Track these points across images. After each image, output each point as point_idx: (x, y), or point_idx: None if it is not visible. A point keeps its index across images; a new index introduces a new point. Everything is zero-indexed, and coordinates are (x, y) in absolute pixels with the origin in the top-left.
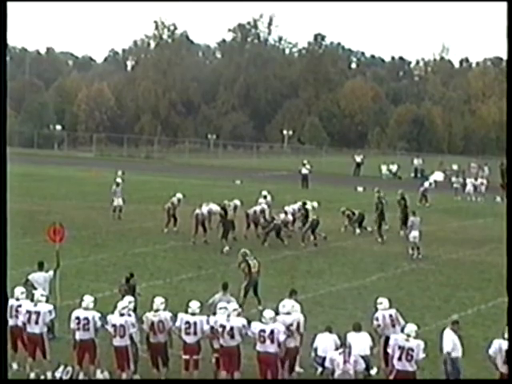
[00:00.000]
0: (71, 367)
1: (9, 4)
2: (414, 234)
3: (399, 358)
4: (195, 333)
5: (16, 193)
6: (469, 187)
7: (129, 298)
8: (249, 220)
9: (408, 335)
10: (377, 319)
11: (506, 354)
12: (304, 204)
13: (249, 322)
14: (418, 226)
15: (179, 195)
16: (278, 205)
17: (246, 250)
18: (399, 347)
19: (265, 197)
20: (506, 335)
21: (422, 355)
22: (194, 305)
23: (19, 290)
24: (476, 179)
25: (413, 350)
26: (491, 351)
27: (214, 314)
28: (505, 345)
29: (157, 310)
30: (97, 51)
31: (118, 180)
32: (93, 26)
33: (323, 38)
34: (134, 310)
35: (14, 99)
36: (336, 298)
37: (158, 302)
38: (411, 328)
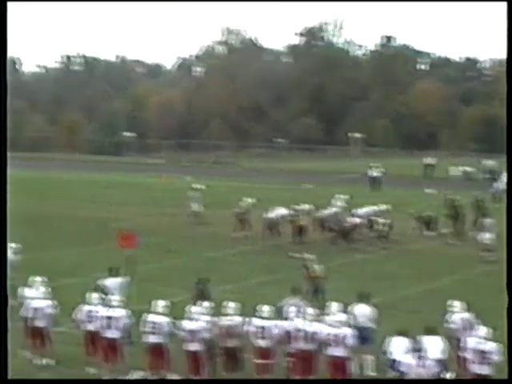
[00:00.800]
0: (144, 372)
1: (81, 14)
2: (488, 235)
3: (476, 362)
4: (267, 337)
5: (88, 200)
6: None
7: (205, 303)
8: (319, 224)
9: (484, 338)
10: (451, 322)
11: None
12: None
13: None
14: (492, 227)
15: (249, 200)
16: (348, 208)
17: (309, 255)
18: (476, 351)
19: (339, 200)
20: None
21: (499, 358)
22: (265, 309)
23: (94, 296)
24: None
25: (490, 353)
26: None
27: (286, 318)
28: None
29: (229, 315)
30: (166, 58)
31: (196, 186)
32: (162, 33)
33: (392, 39)
34: (209, 315)
35: (86, 107)
36: (409, 301)
37: (230, 306)
38: (486, 331)
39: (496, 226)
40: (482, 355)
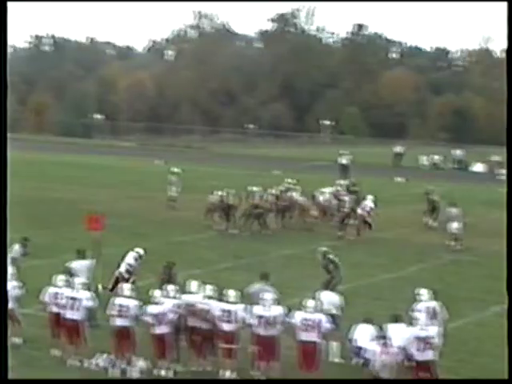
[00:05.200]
0: (110, 355)
1: None
2: (455, 225)
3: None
4: (232, 321)
5: (58, 181)
6: None
7: (170, 287)
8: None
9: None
10: (416, 310)
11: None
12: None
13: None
14: (459, 217)
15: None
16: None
17: (324, 248)
18: (420, 338)
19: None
20: None
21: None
22: (231, 293)
23: (59, 278)
24: None
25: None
26: None
27: (252, 303)
28: None
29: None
30: (137, 41)
31: (175, 170)
32: (133, 15)
33: (364, 28)
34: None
35: (56, 88)
36: (375, 289)
37: (194, 285)
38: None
39: (463, 217)
40: (424, 341)
